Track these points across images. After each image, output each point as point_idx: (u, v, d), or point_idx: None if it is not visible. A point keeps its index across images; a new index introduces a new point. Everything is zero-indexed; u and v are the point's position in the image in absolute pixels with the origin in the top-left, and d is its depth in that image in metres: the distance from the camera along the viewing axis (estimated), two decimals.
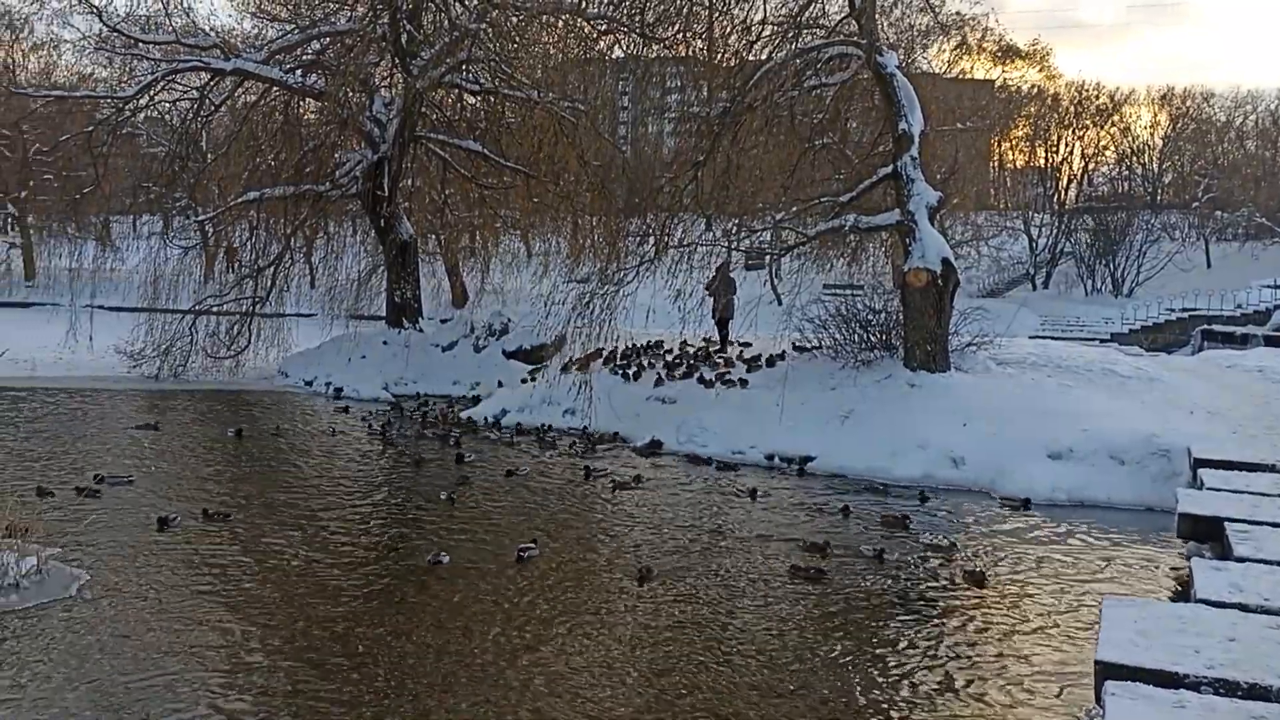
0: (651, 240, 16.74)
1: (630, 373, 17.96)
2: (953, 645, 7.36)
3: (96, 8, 21.99)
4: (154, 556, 8.93)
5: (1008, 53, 42.43)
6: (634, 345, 19.66)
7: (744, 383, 16.49)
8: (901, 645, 7.37)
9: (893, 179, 15.92)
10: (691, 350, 19.47)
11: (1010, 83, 47.33)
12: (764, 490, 12.35)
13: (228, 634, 7.22)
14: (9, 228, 45.92)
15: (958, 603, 8.31)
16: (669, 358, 18.90)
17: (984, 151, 46.59)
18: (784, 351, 17.75)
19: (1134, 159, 56.44)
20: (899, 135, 15.79)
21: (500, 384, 19.59)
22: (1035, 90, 50.73)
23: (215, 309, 22.58)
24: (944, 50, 36.05)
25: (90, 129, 22.72)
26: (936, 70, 34.93)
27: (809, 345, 17.30)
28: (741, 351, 18.76)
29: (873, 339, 16.25)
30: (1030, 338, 24.31)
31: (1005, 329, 18.84)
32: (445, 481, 12.34)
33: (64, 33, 30.26)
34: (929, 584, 8.80)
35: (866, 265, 22.92)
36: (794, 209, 17.78)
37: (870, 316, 16.51)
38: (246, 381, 21.55)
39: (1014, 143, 53.76)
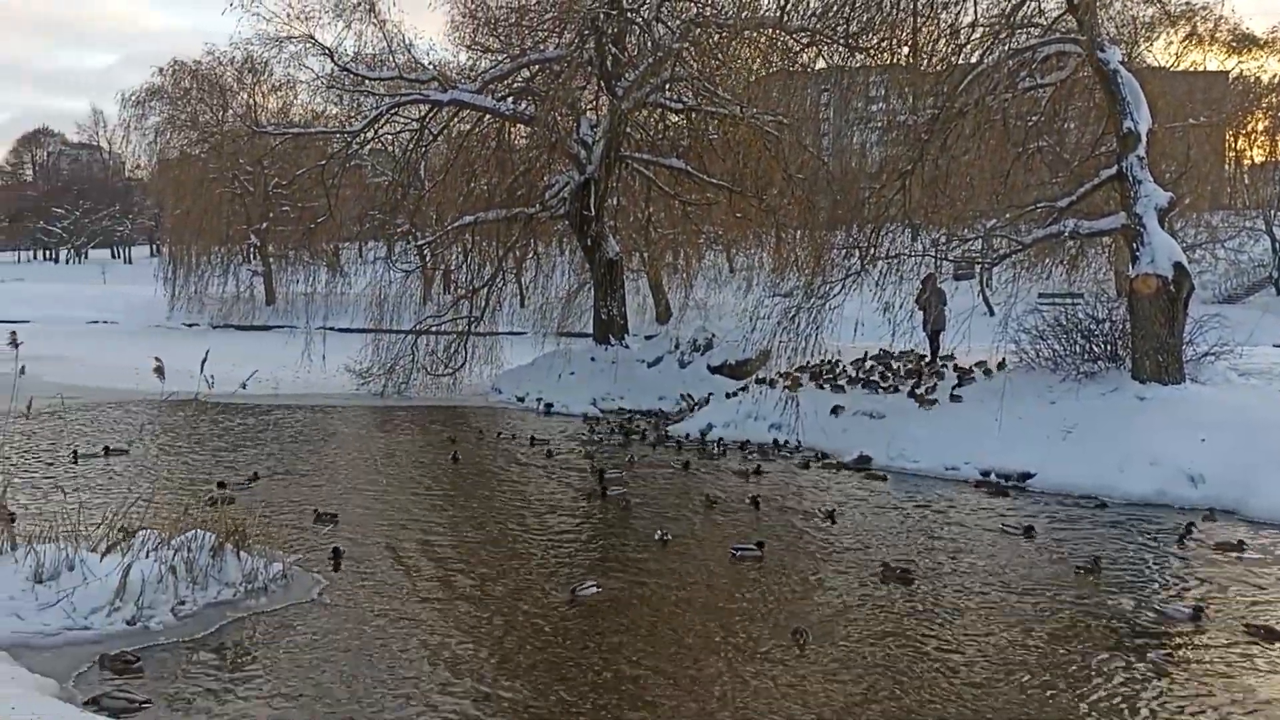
0: (857, 252, 16.47)
1: (838, 387, 17.68)
2: (1185, 680, 6.85)
3: (328, 49, 23.64)
4: (387, 565, 9.41)
5: (1244, 41, 39.32)
6: (841, 359, 19.39)
7: (956, 397, 15.94)
8: (1147, 678, 6.92)
9: (1117, 180, 15.05)
10: (901, 364, 19.02)
11: (1247, 73, 43.86)
12: (990, 506, 11.89)
13: (454, 640, 7.52)
14: (252, 257, 49.70)
15: (1200, 633, 7.73)
16: (878, 371, 18.52)
17: (1218, 148, 43.22)
18: (1004, 361, 17.06)
19: None
20: (1124, 134, 14.91)
21: (709, 398, 19.60)
22: (1276, 80, 46.81)
23: (434, 329, 23.69)
24: (1172, 42, 33.74)
25: (323, 163, 24.45)
26: (1163, 64, 32.75)
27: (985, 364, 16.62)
28: (956, 363, 18.16)
29: (1096, 350, 15.38)
30: (1275, 346, 22.43)
31: (1247, 337, 17.42)
32: (647, 497, 12.50)
33: (299, 74, 32.78)
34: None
35: (1087, 272, 21.77)
36: (1007, 215, 17.08)
37: (1093, 326, 15.64)
38: (463, 398, 22.50)
39: (1253, 137, 49.74)
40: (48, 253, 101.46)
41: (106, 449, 14.71)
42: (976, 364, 17.71)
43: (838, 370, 18.91)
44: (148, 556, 7.90)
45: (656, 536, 10.26)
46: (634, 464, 14.65)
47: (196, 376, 9.34)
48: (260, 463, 14.08)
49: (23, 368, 8.70)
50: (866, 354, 20.66)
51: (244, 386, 11.16)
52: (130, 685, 6.52)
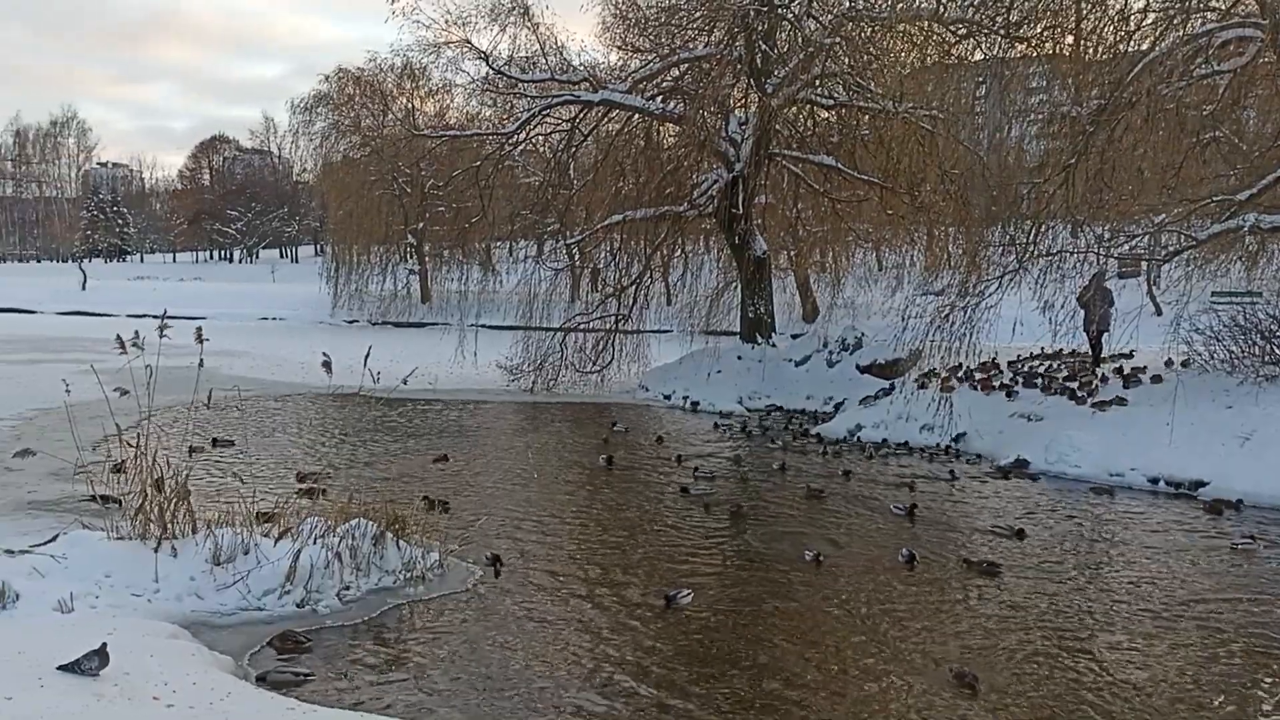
0: (1015, 250, 15.93)
1: (993, 388, 17.14)
2: None
3: (484, 53, 24.21)
4: (541, 558, 9.59)
5: None
6: (998, 360, 18.82)
7: (1122, 400, 15.24)
8: None
9: None
10: (1062, 365, 18.34)
11: None
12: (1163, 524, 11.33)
13: (603, 636, 7.62)
14: (408, 256, 51.42)
15: None
16: (1036, 372, 17.89)
17: None
18: (1187, 360, 16.26)
19: None
20: None
21: (881, 391, 19.14)
22: None
23: (582, 326, 24.02)
24: None
25: (477, 164, 25.07)
26: None
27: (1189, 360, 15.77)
28: (1122, 366, 17.39)
29: (1278, 352, 14.49)
30: None
31: None
32: (794, 498, 12.39)
33: (455, 78, 33.88)
34: None
35: (1267, 270, 20.50)
36: (1177, 210, 16.25)
37: (1275, 326, 14.74)
38: (610, 395, 22.73)
39: None
40: (222, 253, 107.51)
41: (214, 440, 14.90)
42: (1167, 363, 16.88)
43: (993, 371, 18.34)
44: (315, 543, 8.25)
45: (807, 557, 9.55)
46: (785, 470, 14.12)
47: (359, 371, 9.72)
48: (420, 453, 14.58)
49: (201, 361, 9.22)
50: (1031, 354, 19.97)
51: (405, 382, 11.52)
52: (296, 661, 6.86)
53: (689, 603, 8.16)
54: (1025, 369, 18.55)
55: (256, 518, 8.78)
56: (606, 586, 8.78)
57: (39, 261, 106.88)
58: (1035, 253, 15.70)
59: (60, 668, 5.78)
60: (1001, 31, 17.57)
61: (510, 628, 7.66)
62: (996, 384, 17.30)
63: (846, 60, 21.44)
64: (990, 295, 15.65)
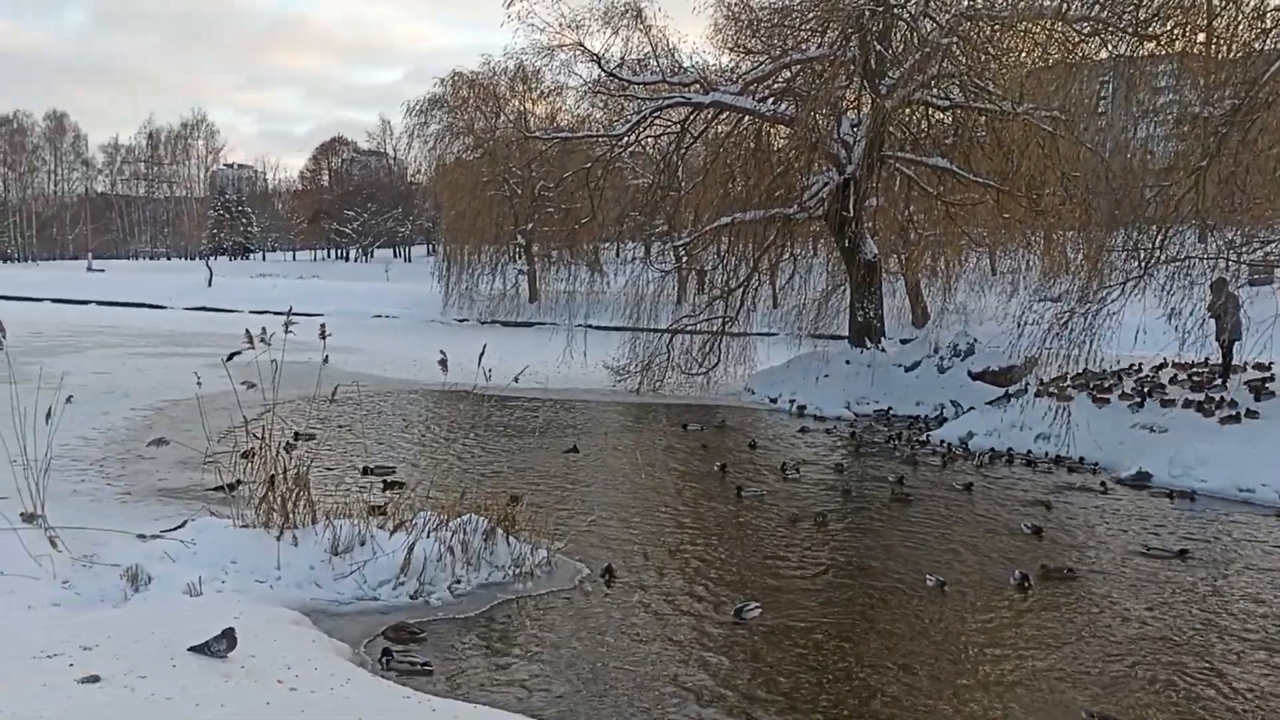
0: (1139, 255, 15.36)
1: (1114, 397, 16.57)
2: None
3: (596, 56, 24.42)
4: (648, 558, 9.65)
5: None
6: (1119, 368, 18.20)
7: (1253, 413, 14.57)
8: None
9: None
10: (1188, 375, 17.63)
11: None
12: None
13: (710, 640, 7.61)
14: (518, 256, 52.05)
15: None
16: (1161, 382, 17.24)
17: None
18: None
19: None
20: None
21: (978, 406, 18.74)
22: None
23: (689, 328, 24.02)
24: None
25: (587, 166, 25.30)
26: None
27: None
28: (1272, 376, 16.59)
29: None
30: None
31: None
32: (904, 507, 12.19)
33: (568, 80, 34.05)
34: None
35: None
36: None
37: None
38: (716, 397, 22.67)
39: None
40: (339, 251, 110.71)
41: (296, 434, 15.17)
42: None
43: (1111, 380, 17.71)
44: (428, 536, 8.45)
45: (930, 583, 8.98)
46: (903, 484, 13.39)
47: (471, 369, 9.90)
48: (537, 449, 14.77)
49: (326, 358, 9.49)
50: (1163, 363, 19.24)
51: (516, 380, 11.70)
52: (414, 650, 7.03)
53: (756, 616, 7.96)
54: (1149, 379, 17.88)
55: (370, 510, 9.05)
56: (713, 593, 8.76)
57: (168, 259, 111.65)
58: (1161, 258, 15.13)
59: (191, 649, 6.03)
60: (1129, 29, 16.97)
61: (616, 628, 7.72)
62: (1117, 394, 16.72)
63: (964, 60, 20.99)
64: (1112, 302, 15.14)
